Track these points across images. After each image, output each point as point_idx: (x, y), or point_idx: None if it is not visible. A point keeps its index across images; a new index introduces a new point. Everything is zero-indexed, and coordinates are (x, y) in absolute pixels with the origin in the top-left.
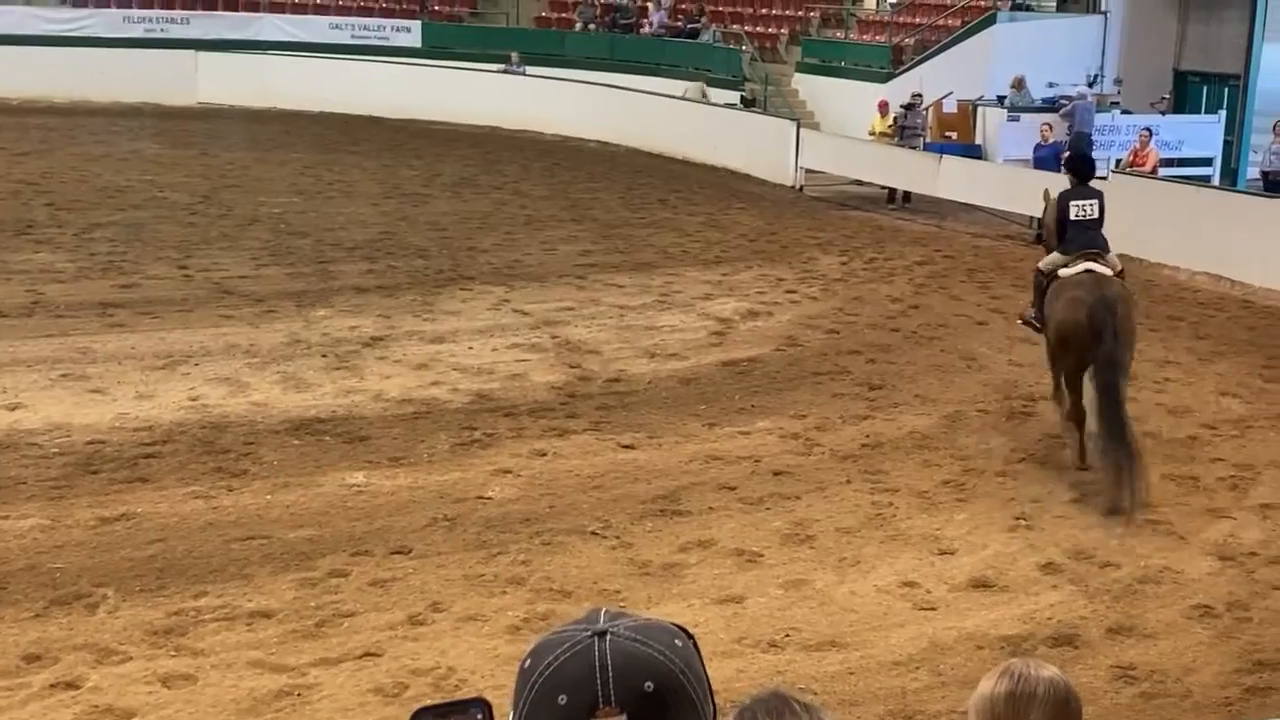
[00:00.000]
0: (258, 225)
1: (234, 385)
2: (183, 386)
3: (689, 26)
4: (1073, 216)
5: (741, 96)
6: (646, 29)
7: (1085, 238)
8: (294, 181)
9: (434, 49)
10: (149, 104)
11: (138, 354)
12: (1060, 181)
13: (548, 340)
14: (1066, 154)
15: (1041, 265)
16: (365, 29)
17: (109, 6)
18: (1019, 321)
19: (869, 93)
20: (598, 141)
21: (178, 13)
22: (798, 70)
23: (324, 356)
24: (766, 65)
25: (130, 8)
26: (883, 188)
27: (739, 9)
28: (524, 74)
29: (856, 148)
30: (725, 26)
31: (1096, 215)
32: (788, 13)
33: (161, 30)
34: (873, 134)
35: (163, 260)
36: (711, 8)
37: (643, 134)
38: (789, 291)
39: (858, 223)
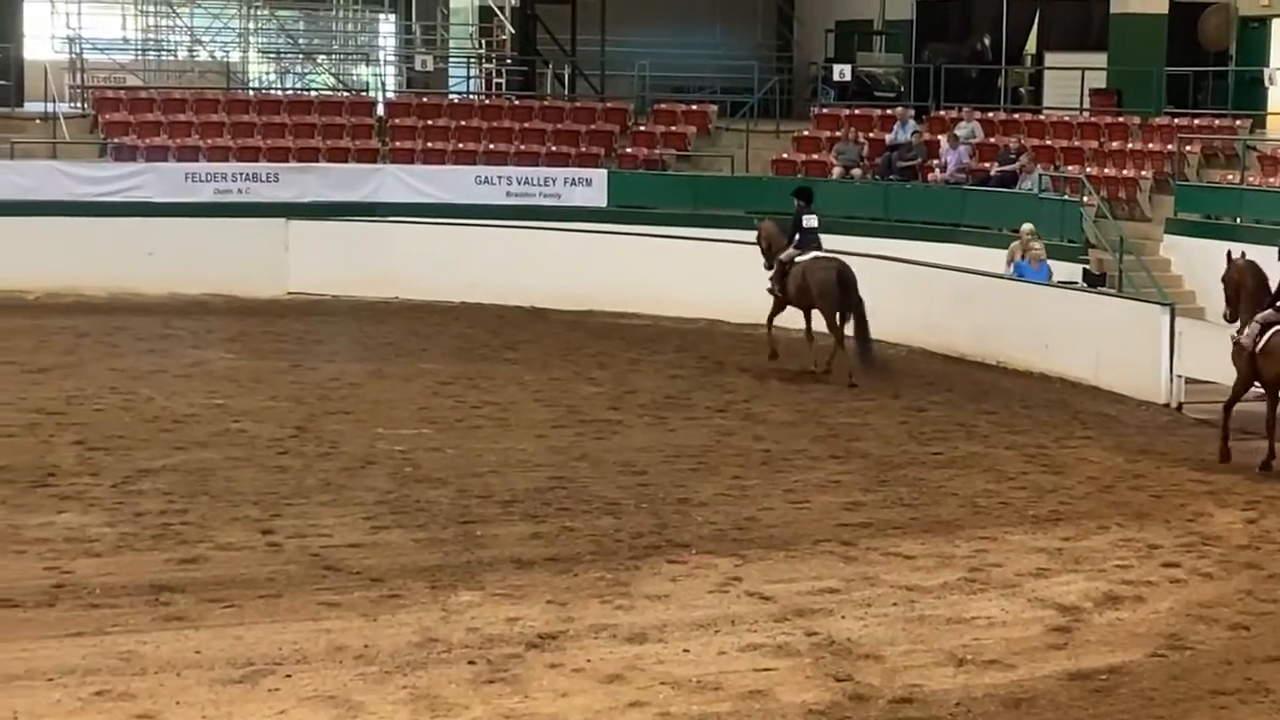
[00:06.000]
0: (374, 469)
1: (342, 708)
2: (268, 710)
3: (1001, 170)
4: (805, 225)
5: (1085, 271)
6: (938, 174)
7: (811, 238)
8: (425, 405)
9: (625, 210)
10: (219, 295)
11: (205, 661)
12: None
13: (801, 639)
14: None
15: (781, 257)
16: (528, 183)
17: (165, 159)
18: (768, 289)
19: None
20: None
21: (263, 166)
22: (1168, 231)
23: (471, 664)
24: (1120, 224)
25: (195, 160)
26: None
27: (1076, 142)
28: (1044, 270)
29: None
30: (1056, 168)
31: (817, 225)
32: (1151, 147)
33: (240, 192)
34: None
35: (239, 522)
36: (1035, 142)
37: (933, 327)
38: (1167, 565)
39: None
